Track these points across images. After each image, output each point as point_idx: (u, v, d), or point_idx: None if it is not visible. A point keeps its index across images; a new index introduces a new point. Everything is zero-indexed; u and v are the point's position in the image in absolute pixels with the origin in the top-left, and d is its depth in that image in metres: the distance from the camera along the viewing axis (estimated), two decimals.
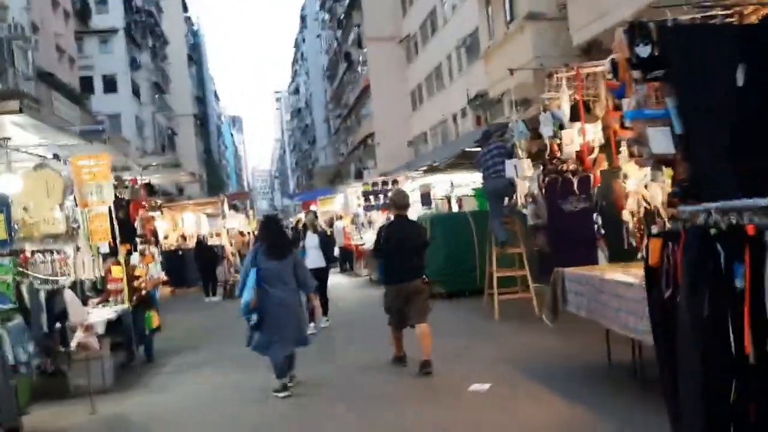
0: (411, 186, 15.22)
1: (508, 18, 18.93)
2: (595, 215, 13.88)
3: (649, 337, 4.27)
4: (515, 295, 9.54)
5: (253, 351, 6.48)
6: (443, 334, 8.83)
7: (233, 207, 25.91)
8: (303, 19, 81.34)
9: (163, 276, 11.78)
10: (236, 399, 6.63)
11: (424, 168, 14.48)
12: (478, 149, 12.49)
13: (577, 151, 8.06)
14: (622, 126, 6.23)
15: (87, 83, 44.56)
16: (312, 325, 8.31)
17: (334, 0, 54.68)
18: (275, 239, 6.58)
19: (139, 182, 9.13)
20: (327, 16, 61.50)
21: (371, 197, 15.59)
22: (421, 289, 6.86)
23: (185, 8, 75.56)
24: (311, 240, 10.39)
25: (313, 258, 10.03)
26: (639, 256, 6.11)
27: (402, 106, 41.60)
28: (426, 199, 14.85)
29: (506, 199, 9.62)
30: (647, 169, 5.37)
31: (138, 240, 8.36)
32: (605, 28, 12.92)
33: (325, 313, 9.89)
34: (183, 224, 22.13)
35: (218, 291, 16.83)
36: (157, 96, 57.52)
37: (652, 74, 4.41)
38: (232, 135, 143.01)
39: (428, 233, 11.73)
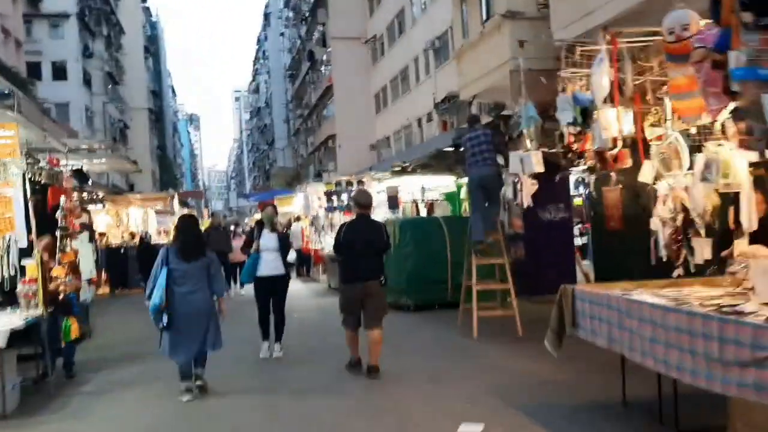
0: (377, 188, 14.15)
1: (484, 16, 18.05)
2: (577, 227, 13.13)
3: (701, 380, 3.31)
4: (495, 312, 8.48)
5: (161, 354, 6.28)
6: (414, 351, 7.78)
7: (184, 204, 24.36)
8: (266, 16, 79.80)
9: (94, 275, 10.46)
10: (168, 427, 5.44)
11: (393, 169, 13.40)
12: (452, 149, 11.51)
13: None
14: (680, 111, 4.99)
15: (35, 69, 42.42)
16: (277, 346, 7.98)
17: None
18: (188, 239, 6.36)
19: (63, 166, 7.68)
20: (291, 14, 60.19)
21: (334, 198, 14.38)
22: (378, 291, 6.74)
23: None
24: (269, 240, 7.88)
25: (270, 263, 7.77)
26: (675, 274, 5.14)
27: (365, 109, 40.63)
28: (393, 202, 13.80)
29: (500, 195, 8.56)
30: (685, 169, 4.38)
31: (59, 234, 6.99)
32: (591, 26, 12.15)
33: (278, 338, 7.90)
34: (129, 220, 20.60)
35: None
36: (109, 86, 55.17)
37: None
38: (188, 133, 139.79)
39: (396, 238, 10.72)
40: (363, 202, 7.05)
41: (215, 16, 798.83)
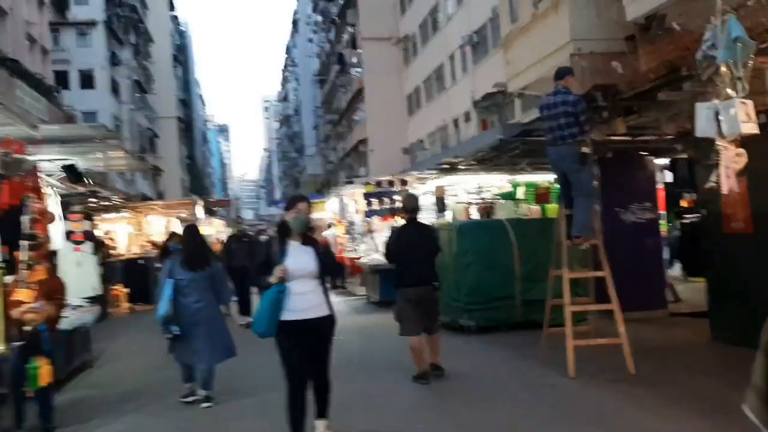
0: (422, 188, 12.45)
1: None
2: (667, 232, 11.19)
3: None
4: (595, 340, 6.51)
5: (176, 362, 6.30)
6: (489, 396, 5.93)
7: (210, 212, 22.94)
8: (295, 23, 79.03)
9: (98, 291, 8.96)
10: None
11: (442, 167, 11.64)
12: (518, 139, 9.72)
13: None
14: None
15: (62, 77, 41.86)
16: (321, 426, 5.25)
17: (327, 0, 52.12)
18: (192, 250, 6.33)
19: (30, 154, 6.02)
20: (320, 18, 59.06)
21: (374, 200, 12.64)
22: (432, 295, 6.75)
23: (172, 6, 72.77)
24: (301, 257, 4.60)
25: (305, 297, 4.53)
26: None
27: (397, 111, 39.06)
28: (441, 204, 12.06)
29: (585, 182, 6.64)
30: None
31: (25, 244, 5.35)
32: None
33: (322, 413, 4.72)
34: (150, 228, 19.22)
35: None
36: (137, 95, 54.56)
37: None
38: (218, 143, 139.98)
39: (453, 246, 8.98)
40: (411, 207, 7.00)
41: (244, 25, 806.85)
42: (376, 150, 38.62)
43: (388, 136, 37.90)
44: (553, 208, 12.40)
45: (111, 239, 17.45)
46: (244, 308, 10.58)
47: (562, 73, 6.98)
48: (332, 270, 9.03)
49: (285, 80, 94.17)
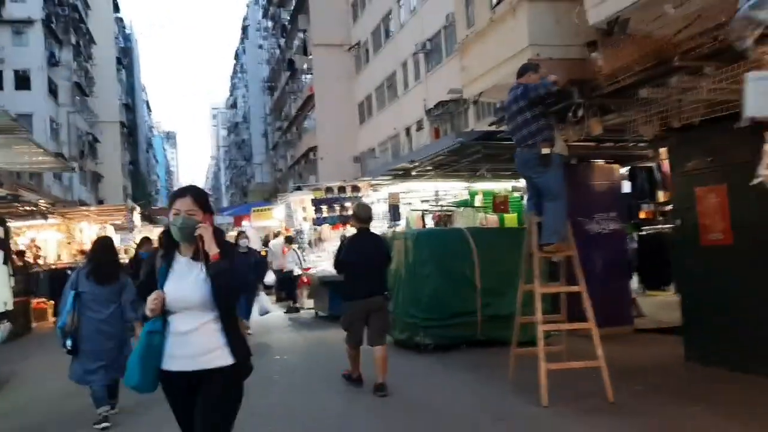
0: (375, 195, 11.73)
1: (494, 0, 15.73)
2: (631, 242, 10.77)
3: None
4: (569, 363, 5.85)
5: (72, 381, 5.96)
6: (442, 426, 5.23)
7: (147, 218, 21.64)
8: (244, 29, 77.63)
9: (9, 306, 7.94)
10: None
11: (396, 173, 10.94)
12: (479, 143, 9.11)
13: None
14: None
15: None
16: None
17: (278, 5, 51.15)
18: (102, 261, 6.02)
19: None
20: (270, 24, 57.99)
21: (324, 207, 11.80)
22: (382, 306, 6.63)
23: (117, 8, 70.41)
24: (183, 277, 3.09)
25: (186, 336, 3.03)
26: None
27: (349, 119, 38.41)
28: (395, 212, 11.35)
29: (553, 186, 5.96)
30: None
31: None
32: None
33: None
34: (83, 237, 17.89)
35: None
36: (77, 98, 52.26)
37: None
38: (164, 150, 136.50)
39: (410, 256, 8.28)
40: (363, 216, 6.84)
41: (192, 32, 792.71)
42: (326, 158, 37.80)
43: (338, 144, 37.17)
44: (511, 218, 11.86)
45: (37, 247, 16.13)
46: None
47: (524, 69, 6.40)
48: (287, 288, 8.48)
49: (234, 87, 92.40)
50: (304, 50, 41.90)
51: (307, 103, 42.13)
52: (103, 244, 6.28)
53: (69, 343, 5.71)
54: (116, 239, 20.10)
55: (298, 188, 14.91)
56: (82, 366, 5.80)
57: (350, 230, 11.85)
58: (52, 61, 46.15)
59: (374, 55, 35.30)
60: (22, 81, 43.66)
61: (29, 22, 44.05)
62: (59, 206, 15.59)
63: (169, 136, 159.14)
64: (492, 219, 11.69)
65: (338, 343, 7.43)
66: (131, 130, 75.68)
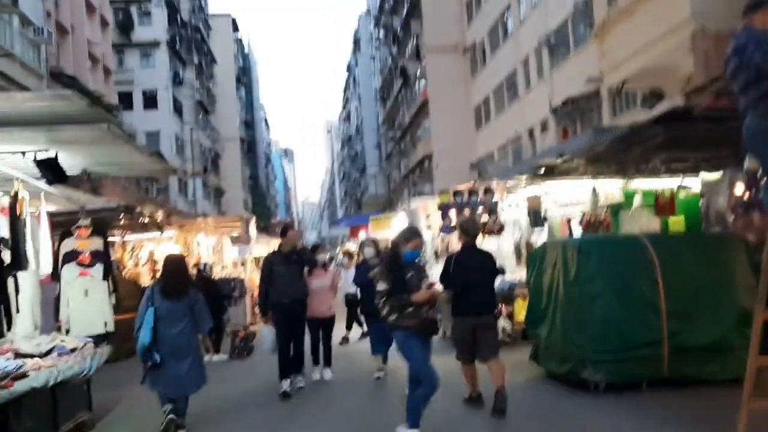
0: (512, 198, 10.10)
1: None
2: None
3: None
4: None
5: (147, 387, 6.20)
6: None
7: (264, 230, 21.09)
8: (356, 42, 78.19)
9: (111, 327, 7.10)
10: None
11: (538, 172, 9.21)
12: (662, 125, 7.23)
13: None
14: None
15: (126, 98, 41.86)
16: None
17: (390, 13, 50.57)
18: (172, 278, 6.37)
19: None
20: (382, 33, 57.62)
21: (452, 213, 10.22)
22: (492, 325, 6.56)
23: (236, 28, 72.95)
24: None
25: None
26: None
27: (465, 124, 36.87)
28: (537, 217, 9.66)
29: None
30: None
31: None
32: None
33: None
34: (199, 248, 17.45)
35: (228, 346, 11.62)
36: (200, 116, 54.28)
37: None
38: (282, 167, 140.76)
39: (572, 270, 6.59)
40: (473, 231, 6.87)
41: (306, 50, 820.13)
42: (442, 165, 36.36)
43: (454, 151, 35.69)
44: (677, 222, 9.82)
45: (154, 261, 15.76)
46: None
47: (755, 4, 4.55)
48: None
49: (347, 101, 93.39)
50: (417, 55, 40.85)
51: (420, 110, 41.02)
52: (171, 262, 6.60)
53: (157, 357, 5.98)
54: (234, 251, 19.68)
55: (420, 194, 13.57)
56: (156, 374, 6.05)
57: (483, 240, 10.36)
58: (177, 81, 48.11)
59: (491, 54, 33.56)
60: (150, 101, 45.77)
61: (155, 44, 46.16)
62: (176, 218, 15.10)
63: (287, 153, 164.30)
64: (654, 223, 9.70)
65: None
66: (251, 146, 78.18)
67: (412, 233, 5.75)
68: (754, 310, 4.30)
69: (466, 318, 6.37)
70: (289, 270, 7.63)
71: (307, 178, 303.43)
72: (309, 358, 8.36)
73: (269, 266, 7.71)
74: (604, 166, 8.34)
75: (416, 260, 5.73)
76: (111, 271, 7.78)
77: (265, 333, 7.89)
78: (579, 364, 6.44)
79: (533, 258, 7.86)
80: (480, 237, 10.14)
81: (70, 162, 5.72)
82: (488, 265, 6.55)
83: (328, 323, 8.37)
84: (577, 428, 4.85)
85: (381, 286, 5.49)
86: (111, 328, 7.56)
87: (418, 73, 41.58)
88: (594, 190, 8.65)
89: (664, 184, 9.77)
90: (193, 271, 12.09)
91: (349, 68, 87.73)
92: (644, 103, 15.07)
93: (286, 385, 7.49)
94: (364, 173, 74.16)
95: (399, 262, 5.50)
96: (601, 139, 7.41)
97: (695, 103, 7.22)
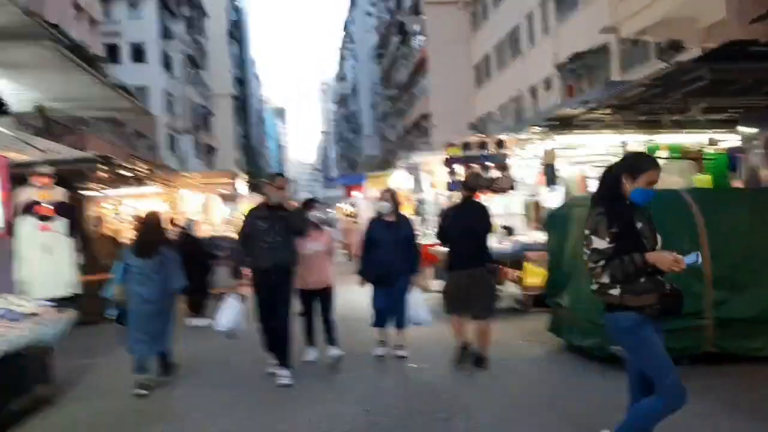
0: (527, 152, 9.21)
1: None
2: None
3: None
4: None
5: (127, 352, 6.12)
6: None
7: (254, 187, 20.15)
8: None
9: (76, 288, 6.28)
10: None
11: (552, 123, 8.32)
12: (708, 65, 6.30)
13: None
14: None
15: (113, 51, 40.39)
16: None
17: None
18: (141, 236, 6.27)
19: None
20: None
21: (459, 168, 9.23)
22: (485, 278, 6.37)
23: None
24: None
25: None
26: None
27: (464, 82, 35.76)
28: (551, 174, 8.79)
29: None
30: None
31: None
32: None
33: None
34: (184, 206, 16.52)
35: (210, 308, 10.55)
36: (191, 70, 52.66)
37: None
38: (275, 125, 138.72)
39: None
40: (471, 185, 6.75)
41: (300, 6, 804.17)
42: (440, 125, 35.30)
43: (453, 110, 34.59)
44: (704, 180, 8.97)
45: (139, 218, 14.83)
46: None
47: None
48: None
49: (342, 59, 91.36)
50: (416, 10, 39.40)
51: (418, 68, 39.79)
52: (145, 220, 6.47)
53: (115, 312, 6.10)
54: (225, 210, 18.76)
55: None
56: (132, 336, 6.01)
57: (491, 196, 9.53)
58: (167, 35, 46.51)
59: (494, 8, 32.26)
60: (138, 54, 44.25)
61: None
62: (160, 173, 14.15)
63: (279, 112, 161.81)
64: (676, 182, 8.86)
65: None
66: (243, 103, 76.48)
67: (643, 161, 3.58)
68: None
69: (457, 271, 6.32)
70: (274, 228, 6.03)
71: (300, 139, 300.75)
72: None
73: (249, 222, 6.19)
74: (633, 116, 7.43)
75: (646, 204, 3.61)
76: (77, 227, 6.91)
77: (227, 306, 6.30)
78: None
79: (554, 218, 7.05)
80: (489, 194, 9.33)
81: (20, 95, 4.79)
82: (481, 218, 6.39)
83: (326, 295, 6.82)
84: (617, 408, 4.13)
85: (598, 243, 3.51)
86: (75, 290, 6.73)
87: (416, 29, 40.18)
88: (623, 144, 7.76)
89: (691, 139, 8.92)
90: (175, 229, 11.18)
91: (345, 25, 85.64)
92: (660, 55, 14.10)
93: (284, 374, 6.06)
94: (360, 134, 72.95)
95: (625, 204, 3.51)
96: (633, 84, 6.49)
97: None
